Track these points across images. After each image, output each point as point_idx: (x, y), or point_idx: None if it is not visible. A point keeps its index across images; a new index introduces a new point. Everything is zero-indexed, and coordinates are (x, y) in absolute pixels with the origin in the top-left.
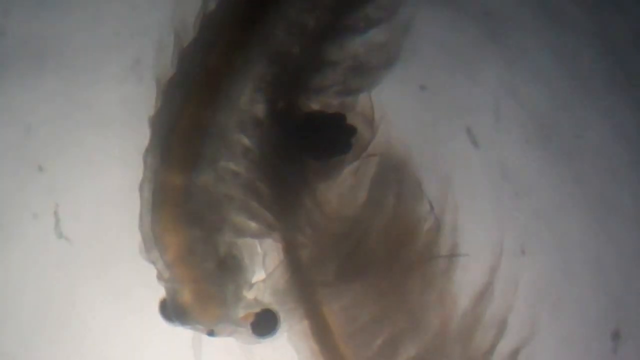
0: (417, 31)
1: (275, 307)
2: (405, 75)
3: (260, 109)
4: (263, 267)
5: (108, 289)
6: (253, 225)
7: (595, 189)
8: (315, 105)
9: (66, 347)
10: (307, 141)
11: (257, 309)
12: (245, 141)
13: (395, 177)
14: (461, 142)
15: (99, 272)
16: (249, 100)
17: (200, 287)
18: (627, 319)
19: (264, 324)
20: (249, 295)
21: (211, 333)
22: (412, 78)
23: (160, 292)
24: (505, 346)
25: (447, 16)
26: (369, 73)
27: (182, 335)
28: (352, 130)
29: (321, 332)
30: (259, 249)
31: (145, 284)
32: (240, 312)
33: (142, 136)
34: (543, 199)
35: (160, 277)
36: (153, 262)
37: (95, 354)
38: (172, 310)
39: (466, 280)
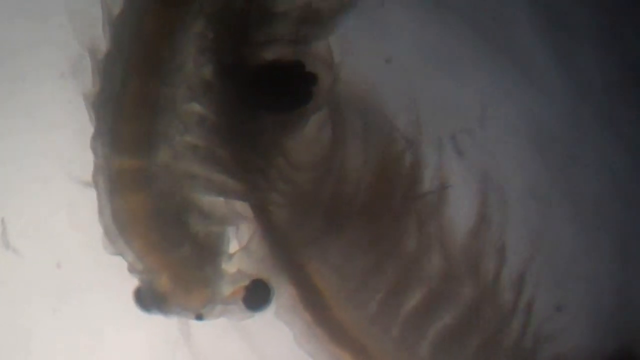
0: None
1: (263, 275)
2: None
3: (207, 71)
4: (237, 237)
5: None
6: (222, 198)
7: (591, 200)
8: (267, 56)
9: None
10: (264, 95)
11: (246, 281)
12: (198, 109)
13: (357, 110)
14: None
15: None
16: (194, 64)
17: (179, 272)
18: None
19: (256, 295)
20: (231, 268)
21: (200, 317)
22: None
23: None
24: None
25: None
26: (323, 22)
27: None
28: (312, 78)
29: (312, 300)
30: (230, 220)
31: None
32: (227, 289)
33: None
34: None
35: (132, 269)
36: (121, 255)
37: None
38: (151, 301)
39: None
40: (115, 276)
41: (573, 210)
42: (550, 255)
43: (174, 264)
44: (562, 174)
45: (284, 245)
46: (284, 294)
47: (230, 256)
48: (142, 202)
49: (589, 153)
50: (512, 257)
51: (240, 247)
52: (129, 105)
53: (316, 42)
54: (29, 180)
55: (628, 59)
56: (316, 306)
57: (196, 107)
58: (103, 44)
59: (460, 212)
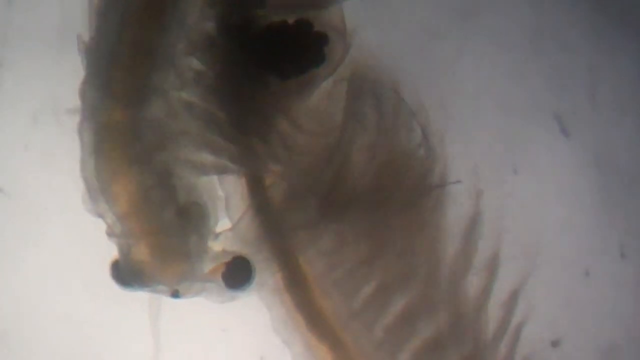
0: None
1: (246, 253)
2: None
3: (212, 26)
4: (226, 212)
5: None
6: (216, 162)
7: None
8: (277, 17)
9: None
10: (271, 55)
11: (228, 259)
12: (198, 64)
13: (374, 91)
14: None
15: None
16: (198, 17)
17: (160, 240)
18: None
19: (238, 272)
20: (216, 246)
21: (176, 294)
22: None
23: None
24: (501, 288)
25: None
26: None
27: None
28: (323, 38)
29: (296, 283)
30: (220, 192)
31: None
32: (207, 266)
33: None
34: None
35: (110, 232)
36: (100, 216)
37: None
38: (127, 270)
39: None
40: None
41: None
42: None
43: (155, 230)
44: None
45: (275, 226)
46: (268, 274)
47: (217, 235)
48: (127, 158)
49: None
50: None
51: (229, 227)
52: (125, 52)
53: (329, 5)
54: None
55: None
56: (299, 290)
57: (195, 63)
58: None
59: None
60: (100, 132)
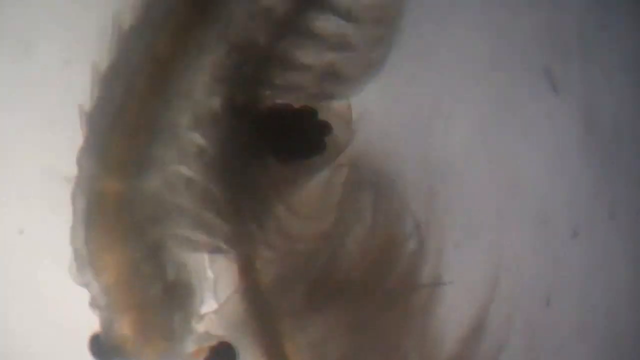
0: None
1: (231, 339)
2: None
3: (217, 103)
4: (214, 293)
5: None
6: (209, 241)
7: None
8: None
9: None
10: (273, 140)
11: (212, 342)
12: (200, 140)
13: (373, 186)
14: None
15: None
16: (205, 92)
17: (144, 316)
18: None
19: (221, 359)
20: (199, 328)
21: None
22: None
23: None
24: None
25: None
26: (345, 82)
27: None
28: (326, 127)
29: None
30: (209, 273)
31: None
32: (190, 346)
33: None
34: None
35: (94, 303)
36: (85, 285)
37: None
38: (108, 344)
39: (451, 316)
40: None
41: None
42: None
43: (140, 305)
44: None
45: (262, 311)
46: None
47: (202, 316)
48: (119, 230)
49: None
50: None
51: (215, 309)
52: (127, 122)
53: (337, 99)
54: None
55: None
56: None
57: (198, 138)
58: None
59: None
60: (93, 201)
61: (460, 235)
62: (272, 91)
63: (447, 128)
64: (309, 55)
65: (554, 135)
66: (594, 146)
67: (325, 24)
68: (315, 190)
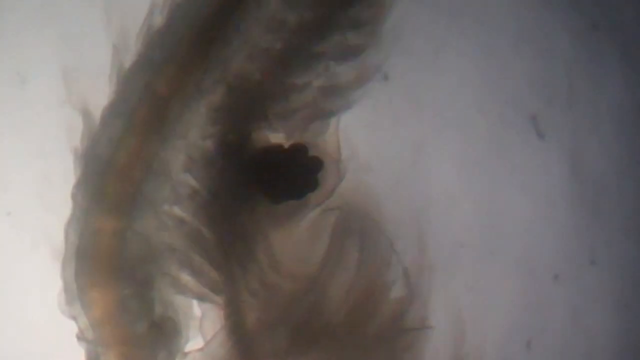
0: None
1: None
2: None
3: (211, 144)
4: (200, 332)
5: None
6: (194, 285)
7: None
8: (274, 137)
9: None
10: (264, 179)
11: None
12: (193, 182)
13: (360, 229)
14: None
15: None
16: (199, 133)
17: (129, 351)
18: None
19: None
20: None
21: None
22: None
23: None
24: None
25: None
26: (341, 93)
27: None
28: (317, 164)
29: None
30: (195, 311)
31: None
32: None
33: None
34: None
35: (81, 336)
36: (73, 318)
37: None
38: None
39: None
40: None
41: None
42: None
43: (127, 340)
44: None
45: (247, 352)
46: None
47: (186, 354)
48: (110, 267)
49: None
50: None
51: (199, 347)
52: (122, 162)
53: (331, 118)
54: None
55: None
56: None
57: (190, 180)
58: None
59: None
60: (86, 236)
61: (443, 277)
62: (265, 124)
63: (432, 170)
64: (303, 76)
65: (539, 180)
66: (578, 192)
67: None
68: (302, 236)
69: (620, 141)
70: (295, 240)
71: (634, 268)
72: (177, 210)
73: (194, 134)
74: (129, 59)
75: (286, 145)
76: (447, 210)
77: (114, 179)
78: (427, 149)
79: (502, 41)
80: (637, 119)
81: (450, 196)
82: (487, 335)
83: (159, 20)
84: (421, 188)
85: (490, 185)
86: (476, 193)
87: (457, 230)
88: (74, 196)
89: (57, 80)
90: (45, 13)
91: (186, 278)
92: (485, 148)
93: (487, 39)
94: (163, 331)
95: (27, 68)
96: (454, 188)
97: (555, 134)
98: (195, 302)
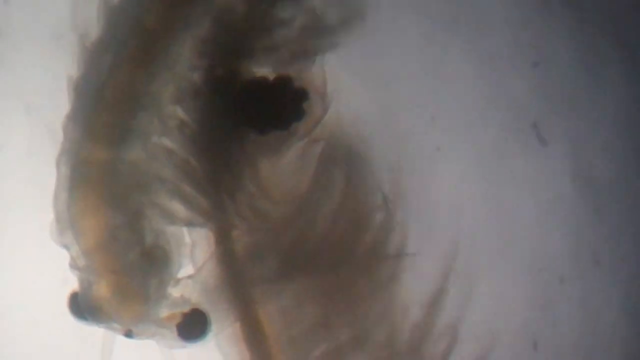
0: None
1: (204, 307)
2: None
3: (199, 76)
4: (191, 259)
5: None
6: (185, 214)
7: None
8: (260, 71)
9: None
10: (251, 110)
11: (185, 309)
12: (181, 114)
13: (345, 158)
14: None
15: None
16: (188, 67)
17: (120, 280)
18: None
19: (193, 326)
20: (175, 292)
21: (129, 334)
22: None
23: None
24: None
25: None
26: (327, 32)
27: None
28: (302, 94)
29: (254, 337)
30: (187, 239)
31: None
32: (164, 311)
33: None
34: None
35: (73, 265)
36: (66, 247)
37: None
38: (85, 305)
39: (417, 284)
40: None
41: None
42: None
43: (118, 269)
44: None
45: (237, 278)
46: (225, 324)
47: (178, 281)
48: (101, 197)
49: None
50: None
51: (191, 274)
52: (112, 94)
53: (316, 56)
54: None
55: None
56: (257, 345)
57: (179, 112)
58: (94, 29)
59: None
60: (77, 168)
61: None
62: (252, 58)
63: (437, 178)
64: (288, 9)
65: (542, 185)
66: (580, 196)
67: None
68: (289, 163)
69: (622, 146)
70: (283, 169)
71: (637, 267)
72: (166, 141)
73: (182, 67)
74: None
75: (271, 77)
76: (453, 216)
77: (103, 110)
78: (431, 157)
79: (503, 49)
80: (638, 124)
81: (455, 202)
82: (495, 336)
83: None
84: (427, 195)
85: (495, 191)
86: (481, 199)
87: (464, 235)
88: (65, 128)
89: None
90: None
91: (176, 206)
92: (489, 155)
93: (488, 47)
94: (154, 260)
95: None
96: (459, 194)
97: (557, 140)
98: (186, 231)
